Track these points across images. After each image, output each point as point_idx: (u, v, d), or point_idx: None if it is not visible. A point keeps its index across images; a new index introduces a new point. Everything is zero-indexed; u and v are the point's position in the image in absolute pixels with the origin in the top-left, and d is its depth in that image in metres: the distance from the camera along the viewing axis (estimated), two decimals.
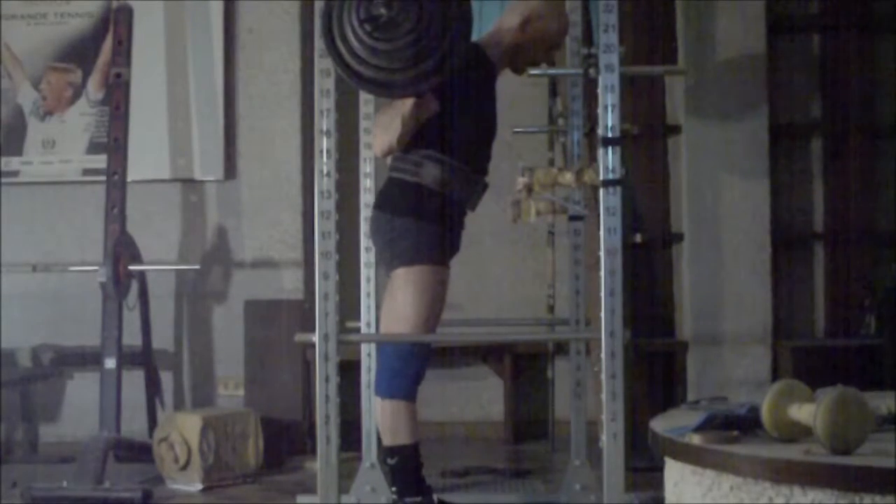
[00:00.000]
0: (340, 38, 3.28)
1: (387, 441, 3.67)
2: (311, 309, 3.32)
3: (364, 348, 4.24)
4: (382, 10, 3.25)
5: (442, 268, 3.66)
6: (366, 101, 4.34)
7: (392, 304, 3.70)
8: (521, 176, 3.55)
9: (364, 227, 4.23)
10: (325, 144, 3.27)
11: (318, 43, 3.27)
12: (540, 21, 3.82)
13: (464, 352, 5.64)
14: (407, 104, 3.51)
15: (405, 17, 3.26)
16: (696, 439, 2.50)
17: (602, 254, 3.25)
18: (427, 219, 3.62)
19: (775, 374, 5.27)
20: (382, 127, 3.60)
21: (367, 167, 4.32)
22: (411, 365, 3.64)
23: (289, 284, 5.60)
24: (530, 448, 5.55)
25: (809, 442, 2.39)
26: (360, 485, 4.24)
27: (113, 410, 4.75)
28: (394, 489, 3.71)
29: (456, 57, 3.35)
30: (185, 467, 4.62)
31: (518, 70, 3.93)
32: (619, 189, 3.26)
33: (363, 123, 4.33)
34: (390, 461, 3.67)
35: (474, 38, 3.60)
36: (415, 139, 3.62)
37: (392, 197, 3.67)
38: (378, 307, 4.07)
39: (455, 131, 3.64)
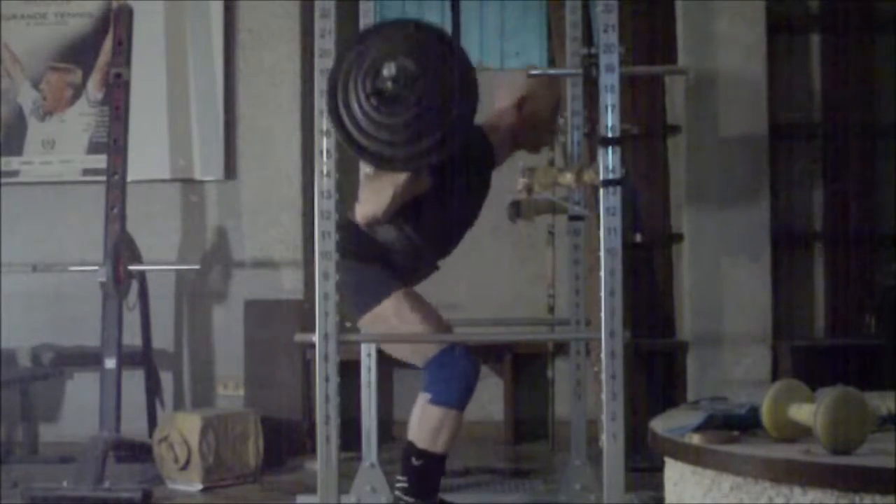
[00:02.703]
0: (344, 106, 3.29)
1: (420, 443, 3.59)
2: (311, 309, 3.32)
3: (364, 348, 4.24)
4: (388, 85, 3.25)
5: (403, 291, 3.62)
6: None
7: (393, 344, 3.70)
8: (521, 176, 3.55)
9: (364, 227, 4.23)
10: (325, 144, 3.27)
11: (319, 43, 3.28)
12: (535, 99, 3.81)
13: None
14: (401, 176, 3.47)
15: (410, 94, 3.26)
16: (696, 439, 2.50)
17: (602, 254, 3.25)
18: (368, 259, 3.58)
19: (775, 374, 5.27)
20: (373, 192, 3.55)
21: (366, 167, 4.32)
22: (463, 373, 3.59)
23: (289, 284, 5.60)
24: (530, 448, 5.55)
25: (809, 442, 2.39)
26: (360, 485, 4.24)
27: (113, 410, 4.75)
28: (400, 484, 3.66)
29: (458, 136, 3.35)
30: (185, 467, 4.63)
31: (530, 148, 3.94)
32: (619, 189, 3.26)
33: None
34: (415, 461, 3.62)
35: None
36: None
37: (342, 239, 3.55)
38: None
39: (433, 209, 3.61)
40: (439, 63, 3.32)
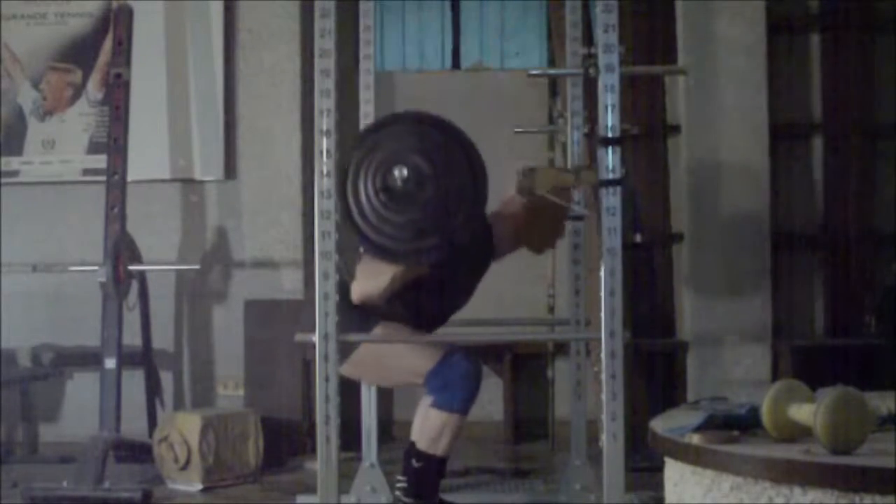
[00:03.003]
0: (353, 196, 3.31)
1: (421, 445, 3.60)
2: (312, 309, 3.32)
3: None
4: (399, 183, 3.26)
5: (378, 326, 3.61)
6: (366, 101, 4.34)
7: (385, 376, 3.70)
8: (521, 176, 3.55)
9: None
10: (325, 144, 3.26)
11: (319, 43, 3.27)
12: (542, 202, 3.78)
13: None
14: None
15: (421, 193, 3.27)
16: (696, 439, 2.50)
17: (602, 254, 3.25)
18: (352, 307, 3.57)
19: (775, 374, 5.27)
20: (369, 275, 3.54)
21: None
22: (466, 377, 3.59)
23: (289, 284, 5.60)
24: (530, 448, 5.55)
25: (809, 442, 2.39)
26: (360, 485, 4.24)
27: (113, 410, 4.75)
28: (401, 485, 3.67)
29: (464, 236, 3.36)
30: (185, 467, 4.62)
31: (534, 249, 3.94)
32: (619, 189, 3.25)
33: (363, 123, 4.33)
34: (416, 463, 3.63)
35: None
36: None
37: None
38: None
39: (427, 295, 3.61)
40: (452, 164, 3.33)
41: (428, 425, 3.59)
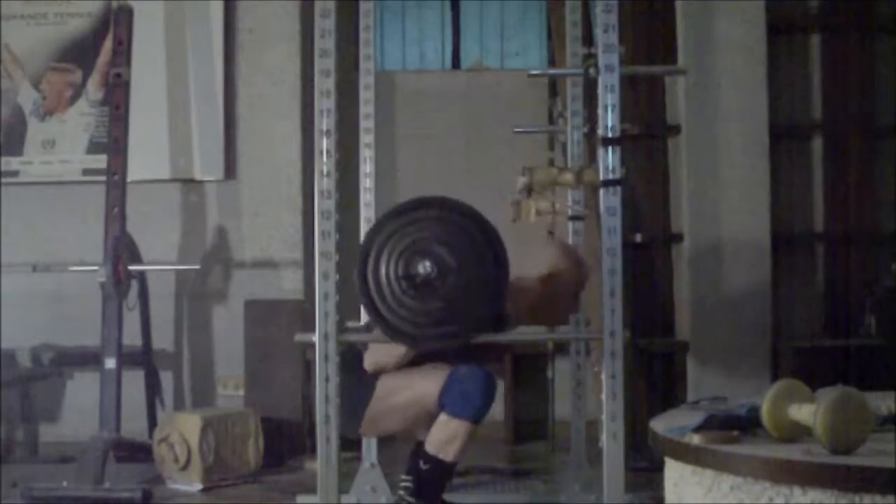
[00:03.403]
0: (374, 279, 3.31)
1: (431, 449, 3.58)
2: (311, 309, 3.32)
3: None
4: (420, 271, 3.27)
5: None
6: (366, 101, 4.34)
7: (393, 414, 3.69)
8: (521, 176, 3.55)
9: (364, 227, 4.23)
10: (325, 144, 3.26)
11: (319, 43, 3.27)
12: (559, 278, 3.79)
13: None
14: None
15: (442, 283, 3.27)
16: (696, 439, 2.50)
17: (602, 254, 3.25)
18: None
19: (775, 374, 5.27)
20: (386, 347, 3.54)
21: (367, 167, 4.32)
22: (482, 388, 3.58)
23: (289, 284, 5.60)
24: (530, 448, 5.55)
25: (809, 442, 2.39)
26: (360, 485, 4.25)
27: (113, 410, 4.75)
28: (405, 484, 3.66)
29: (484, 323, 3.37)
30: (185, 467, 4.63)
31: (548, 323, 3.93)
32: (619, 189, 3.25)
33: (363, 123, 4.33)
34: (423, 465, 3.62)
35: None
36: None
37: None
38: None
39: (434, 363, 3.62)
40: (477, 257, 3.33)
41: (440, 431, 3.57)
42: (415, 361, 3.61)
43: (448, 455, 3.57)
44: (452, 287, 3.29)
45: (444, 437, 3.56)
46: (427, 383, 3.56)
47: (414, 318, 3.32)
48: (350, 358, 3.49)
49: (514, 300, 3.69)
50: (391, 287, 3.30)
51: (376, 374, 3.60)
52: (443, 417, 3.56)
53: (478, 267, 3.33)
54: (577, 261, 3.87)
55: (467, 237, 3.35)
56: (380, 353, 3.58)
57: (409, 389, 3.61)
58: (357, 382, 3.53)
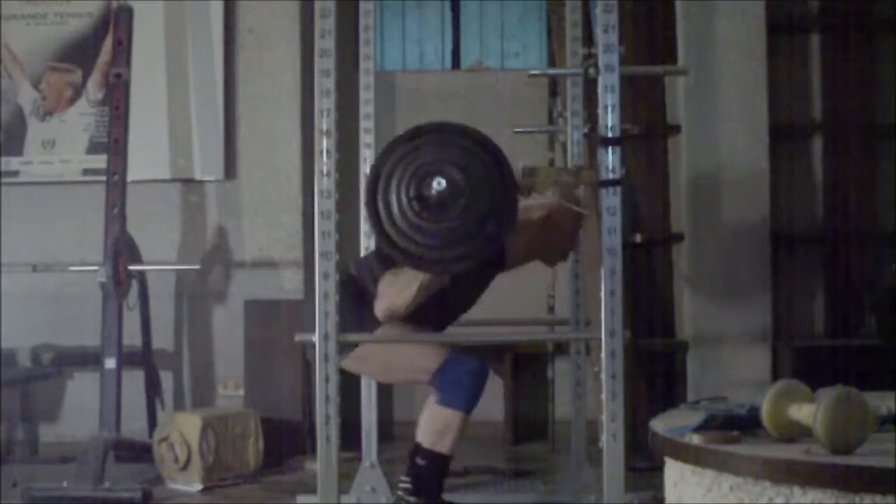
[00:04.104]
0: (384, 205, 3.31)
1: (426, 443, 3.61)
2: (312, 309, 3.32)
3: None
4: (434, 188, 3.27)
5: (386, 325, 3.63)
6: (366, 101, 4.34)
7: (387, 371, 3.72)
8: (521, 176, 3.55)
9: (364, 227, 4.23)
10: (325, 144, 3.26)
11: (319, 43, 3.28)
12: (558, 217, 3.80)
13: (464, 352, 5.63)
14: (424, 273, 3.50)
15: (455, 201, 3.28)
16: (696, 439, 2.50)
17: (602, 254, 3.25)
18: (360, 303, 3.60)
19: (775, 374, 5.27)
20: (395, 288, 3.57)
21: (367, 167, 4.32)
22: (472, 377, 3.60)
23: (289, 284, 5.59)
24: (530, 448, 5.55)
25: (809, 442, 2.39)
26: (360, 485, 4.25)
27: (113, 410, 4.75)
28: (404, 484, 3.67)
29: (497, 243, 3.38)
30: (185, 467, 4.63)
31: (546, 261, 3.96)
32: (619, 189, 3.26)
33: (363, 123, 4.33)
34: (419, 461, 3.63)
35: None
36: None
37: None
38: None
39: (435, 303, 3.63)
40: (486, 177, 3.33)
41: (433, 422, 3.61)
42: (421, 319, 3.61)
43: (444, 447, 3.59)
44: (464, 208, 3.29)
45: (438, 428, 3.59)
46: (425, 360, 3.59)
47: (424, 241, 3.31)
48: (348, 281, 3.46)
49: (512, 238, 3.70)
50: (402, 210, 3.29)
51: (391, 320, 3.60)
52: (435, 407, 3.59)
53: (488, 188, 3.33)
54: (576, 201, 3.89)
55: (477, 159, 3.34)
56: (393, 297, 3.58)
57: (408, 358, 3.63)
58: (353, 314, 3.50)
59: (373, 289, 3.65)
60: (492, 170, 3.36)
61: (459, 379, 3.56)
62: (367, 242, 4.22)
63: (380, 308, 3.61)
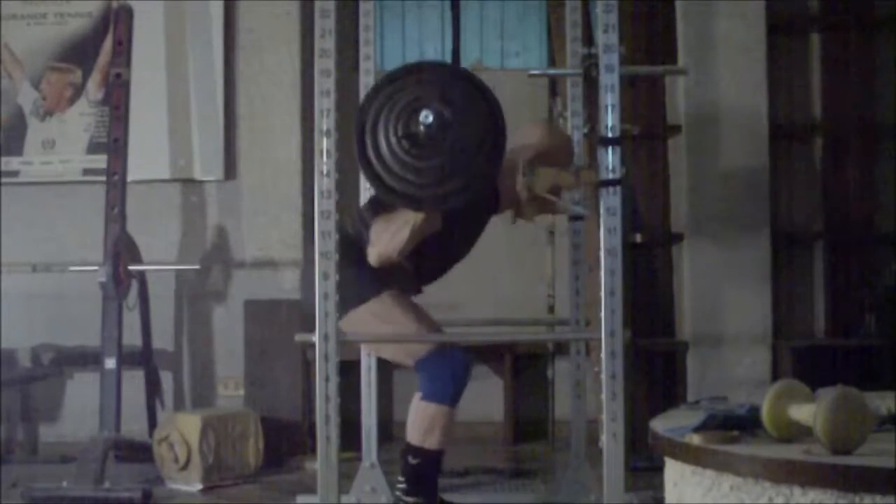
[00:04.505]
0: (373, 147, 3.31)
1: (415, 440, 3.63)
2: (311, 309, 3.32)
3: (364, 348, 4.24)
4: (421, 129, 3.27)
5: (384, 294, 3.63)
6: None
7: (377, 345, 3.71)
8: (521, 176, 3.55)
9: None
10: (325, 144, 3.27)
11: (319, 43, 3.28)
12: (548, 155, 3.80)
13: (464, 352, 5.63)
14: (418, 216, 3.49)
15: (444, 136, 3.28)
16: (696, 439, 2.50)
17: (602, 254, 3.25)
18: (360, 265, 3.59)
19: (775, 374, 5.27)
20: (388, 233, 3.56)
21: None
22: (455, 370, 3.61)
23: (288, 284, 5.59)
24: (530, 448, 5.55)
25: (809, 442, 2.39)
26: (360, 485, 4.25)
27: (113, 410, 4.75)
28: (400, 485, 3.69)
29: (489, 177, 3.37)
30: (185, 467, 4.63)
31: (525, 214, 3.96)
32: (619, 189, 3.26)
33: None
34: (411, 460, 3.65)
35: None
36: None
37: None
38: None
39: (431, 248, 3.63)
40: (472, 110, 3.34)
41: (419, 420, 3.63)
42: (419, 266, 3.61)
43: (433, 443, 3.61)
44: (453, 142, 3.29)
45: (425, 425, 3.60)
46: (413, 346, 3.60)
47: (417, 179, 3.31)
48: (346, 242, 3.46)
49: (504, 179, 3.70)
50: (392, 150, 3.30)
51: (383, 264, 3.58)
52: (420, 404, 3.62)
53: (476, 120, 3.34)
54: (563, 137, 3.91)
55: (463, 94, 3.36)
56: (385, 242, 3.57)
57: (395, 346, 3.63)
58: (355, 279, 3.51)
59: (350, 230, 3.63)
60: (477, 102, 3.37)
61: (442, 373, 3.58)
62: None
63: (372, 254, 3.59)
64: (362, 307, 3.58)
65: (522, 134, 3.81)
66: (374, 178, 3.32)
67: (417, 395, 3.65)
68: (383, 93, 3.38)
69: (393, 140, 3.29)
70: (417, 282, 3.76)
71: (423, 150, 3.29)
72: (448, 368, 3.58)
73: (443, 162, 3.29)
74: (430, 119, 3.26)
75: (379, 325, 3.61)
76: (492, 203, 3.77)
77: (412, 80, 3.40)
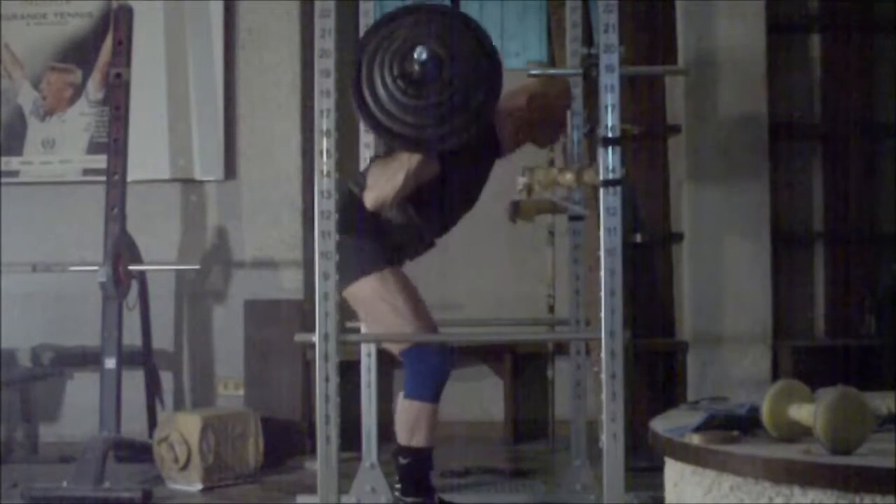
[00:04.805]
0: (370, 91, 3.31)
1: (402, 440, 3.66)
2: (311, 309, 3.32)
3: (364, 348, 4.24)
4: (417, 68, 3.27)
5: (388, 270, 3.64)
6: None
7: (371, 322, 3.72)
8: (521, 176, 3.55)
9: None
10: (325, 144, 3.27)
11: (319, 43, 3.28)
12: (545, 97, 3.82)
13: (464, 352, 5.64)
14: (413, 160, 3.50)
15: (440, 75, 3.28)
16: (696, 439, 2.50)
17: (602, 254, 3.25)
18: (364, 233, 3.61)
19: (775, 374, 5.27)
20: (384, 178, 3.58)
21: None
22: (434, 367, 3.63)
23: (288, 284, 5.59)
24: (530, 448, 5.55)
25: (809, 442, 2.39)
26: (360, 485, 4.25)
27: (113, 410, 4.75)
28: (398, 487, 3.72)
29: (487, 116, 3.37)
30: (185, 467, 4.63)
31: (539, 143, 3.97)
32: (619, 189, 3.26)
33: (363, 123, 4.33)
34: (402, 461, 3.67)
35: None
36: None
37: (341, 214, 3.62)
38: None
39: (436, 193, 3.64)
40: (467, 48, 3.34)
41: (405, 419, 3.68)
42: (425, 216, 3.61)
43: (419, 441, 3.65)
44: (449, 80, 3.30)
45: (410, 425, 3.65)
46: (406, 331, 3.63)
47: (413, 120, 3.32)
48: (349, 200, 3.49)
49: (503, 122, 3.73)
50: (389, 92, 3.30)
51: (380, 209, 3.61)
52: (404, 403, 3.68)
53: (470, 58, 3.35)
54: (560, 81, 3.93)
55: (455, 32, 3.38)
56: (381, 187, 3.59)
57: (386, 323, 3.64)
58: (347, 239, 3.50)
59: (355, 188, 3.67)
60: (471, 41, 3.38)
61: (422, 368, 3.61)
62: None
63: (369, 199, 3.61)
64: (363, 280, 3.60)
65: (519, 84, 3.82)
66: (372, 121, 3.33)
67: (401, 395, 3.68)
68: (380, 33, 3.39)
69: (388, 81, 3.30)
70: (428, 234, 3.76)
71: (419, 89, 3.29)
72: (428, 364, 3.62)
73: (438, 101, 3.30)
74: (424, 56, 3.26)
75: (376, 301, 3.63)
76: (492, 148, 3.78)
77: (409, 20, 3.41)
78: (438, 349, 3.66)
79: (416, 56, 3.26)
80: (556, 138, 4.10)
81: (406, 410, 3.66)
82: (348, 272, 3.49)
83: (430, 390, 3.62)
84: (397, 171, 3.54)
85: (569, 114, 4.23)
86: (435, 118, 3.32)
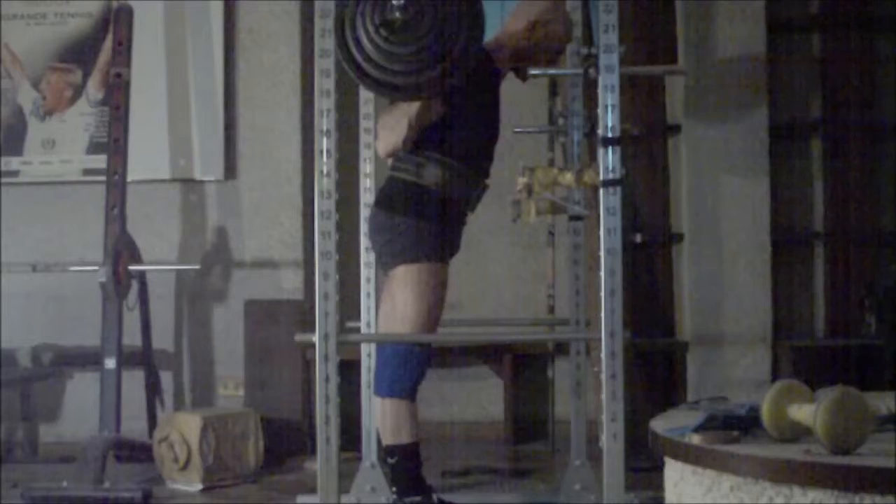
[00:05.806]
0: (353, 41, 3.32)
1: (387, 440, 3.69)
2: (311, 309, 3.32)
3: (364, 348, 4.24)
4: (398, 14, 3.27)
5: (441, 266, 3.69)
6: (366, 100, 4.34)
7: (391, 304, 3.72)
8: (521, 176, 3.55)
9: (364, 227, 4.23)
10: (325, 144, 3.26)
11: (319, 43, 3.27)
12: (546, 25, 3.83)
13: (464, 352, 5.64)
14: (413, 106, 3.53)
15: (420, 21, 3.29)
16: (696, 439, 2.50)
17: (602, 254, 3.25)
18: (426, 218, 3.65)
19: (775, 374, 5.27)
20: (388, 128, 3.63)
21: (367, 167, 4.32)
22: (412, 364, 3.67)
23: (289, 284, 5.60)
24: (530, 448, 5.55)
25: (809, 442, 2.39)
26: (360, 485, 4.25)
27: (113, 410, 4.75)
28: (394, 489, 3.73)
29: (470, 59, 3.38)
30: (185, 467, 4.63)
31: (522, 75, 3.95)
32: (619, 189, 3.26)
33: (363, 123, 4.33)
34: (390, 460, 3.69)
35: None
36: (417, 140, 3.66)
37: (392, 196, 3.71)
38: (378, 307, 4.07)
39: (458, 134, 3.68)
40: None
41: (385, 419, 3.71)
42: (449, 151, 3.65)
43: (404, 438, 3.68)
44: (431, 25, 3.30)
45: (391, 423, 3.69)
46: (399, 324, 3.68)
47: (402, 68, 3.33)
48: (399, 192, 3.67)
49: (501, 50, 3.78)
50: (373, 41, 3.31)
51: (392, 156, 3.72)
52: (383, 403, 3.71)
53: (452, 4, 3.35)
54: (563, 12, 3.94)
55: None
56: (387, 135, 3.68)
57: (399, 317, 3.68)
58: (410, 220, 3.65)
59: None
60: None
61: (400, 362, 3.66)
62: (366, 242, 4.21)
63: (381, 149, 3.76)
64: (402, 268, 3.65)
65: (521, 5, 3.86)
66: (359, 72, 3.34)
67: (377, 399, 3.75)
68: None
69: (371, 30, 3.31)
70: (475, 176, 3.78)
71: (401, 35, 3.30)
72: (411, 366, 3.64)
73: (424, 46, 3.31)
74: (403, 2, 3.27)
75: (401, 287, 3.67)
76: (494, 76, 3.79)
77: None
78: (424, 350, 3.68)
79: (394, 2, 3.27)
80: (555, 59, 4.09)
81: (386, 411, 3.68)
82: (408, 251, 3.63)
83: (407, 388, 3.68)
84: (400, 118, 3.62)
85: (568, 114, 4.25)
86: (418, 65, 3.33)
